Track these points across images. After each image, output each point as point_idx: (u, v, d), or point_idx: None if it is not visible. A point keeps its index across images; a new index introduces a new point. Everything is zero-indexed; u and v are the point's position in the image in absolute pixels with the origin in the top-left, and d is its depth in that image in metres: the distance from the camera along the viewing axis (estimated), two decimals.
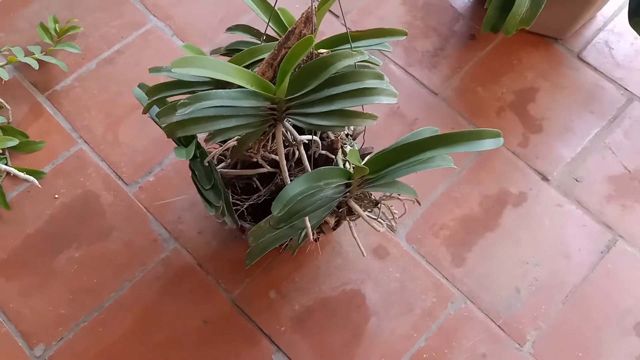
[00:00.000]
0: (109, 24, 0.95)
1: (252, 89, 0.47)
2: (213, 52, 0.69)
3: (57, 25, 0.90)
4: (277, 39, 0.63)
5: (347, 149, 0.70)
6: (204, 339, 0.72)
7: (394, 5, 0.99)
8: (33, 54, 0.88)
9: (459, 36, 0.97)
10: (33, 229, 0.79)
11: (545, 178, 0.84)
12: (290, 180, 0.61)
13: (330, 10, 0.99)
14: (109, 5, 0.97)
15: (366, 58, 0.49)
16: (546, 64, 0.94)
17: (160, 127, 0.60)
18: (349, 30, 0.57)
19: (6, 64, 0.88)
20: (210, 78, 0.55)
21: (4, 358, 0.71)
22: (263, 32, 0.64)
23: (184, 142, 0.59)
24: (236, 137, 0.57)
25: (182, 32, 0.95)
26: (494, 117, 0.89)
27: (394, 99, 0.52)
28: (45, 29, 0.90)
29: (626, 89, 0.92)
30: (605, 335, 0.73)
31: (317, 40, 0.55)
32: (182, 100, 0.47)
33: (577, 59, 0.95)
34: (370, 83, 0.50)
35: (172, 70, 0.43)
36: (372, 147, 0.72)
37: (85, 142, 0.86)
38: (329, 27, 0.97)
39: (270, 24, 0.59)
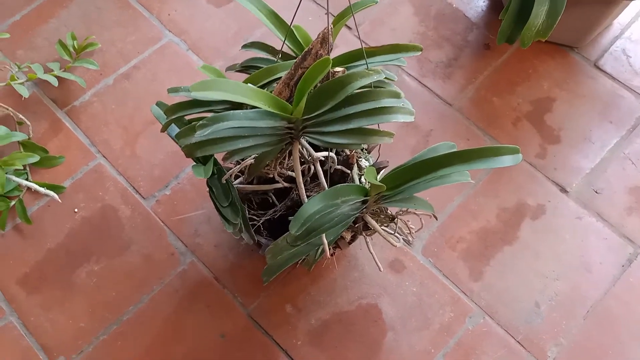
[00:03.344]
0: (126, 40, 0.97)
1: (270, 109, 0.48)
2: (228, 69, 0.69)
3: (75, 42, 0.92)
4: (292, 56, 0.63)
5: (363, 163, 0.70)
6: (222, 353, 0.73)
7: (406, 16, 0.99)
8: (52, 70, 0.90)
9: (473, 46, 0.96)
10: (53, 243, 0.80)
11: (564, 190, 0.83)
12: (307, 196, 0.61)
13: None
14: (125, 21, 0.99)
15: (382, 78, 0.49)
16: (562, 73, 0.93)
17: (179, 146, 0.61)
18: (364, 47, 0.57)
19: (26, 81, 0.90)
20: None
21: None
22: (277, 48, 0.64)
23: (201, 160, 0.60)
24: (253, 155, 0.58)
25: (197, 47, 0.96)
26: (510, 127, 0.88)
27: (411, 117, 0.52)
28: (63, 46, 0.91)
29: None
30: (628, 351, 0.72)
31: (332, 55, 0.55)
32: (200, 122, 0.47)
33: (594, 67, 0.93)
34: (387, 102, 0.50)
35: (191, 93, 0.43)
36: (388, 161, 0.72)
37: (104, 156, 0.87)
38: (341, 39, 0.97)
39: (285, 41, 0.60)
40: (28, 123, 0.88)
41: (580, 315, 0.74)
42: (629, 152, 0.86)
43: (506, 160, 0.55)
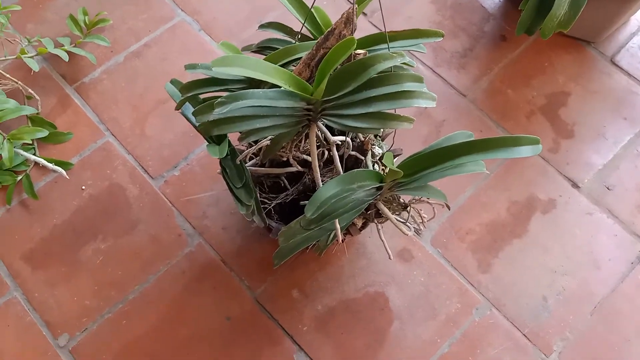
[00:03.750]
0: (137, 18, 0.95)
1: (290, 89, 0.47)
2: (244, 48, 0.68)
3: (86, 17, 0.90)
4: (311, 38, 0.62)
5: (377, 150, 0.69)
6: (227, 336, 0.73)
7: (422, 4, 0.98)
8: (62, 45, 0.89)
9: (489, 37, 0.95)
10: (60, 219, 0.80)
11: (575, 185, 0.83)
12: (321, 181, 0.60)
13: None
14: None
15: (406, 60, 0.48)
16: (578, 67, 0.92)
17: (192, 124, 0.60)
18: (386, 31, 0.56)
19: (36, 55, 0.88)
20: (245, 77, 0.54)
21: (28, 347, 0.72)
22: (293, 29, 0.63)
23: (215, 140, 0.59)
24: (269, 137, 0.57)
25: (209, 27, 0.95)
26: (524, 120, 0.88)
27: (433, 102, 0.51)
28: (74, 21, 0.90)
29: None
30: (634, 348, 0.72)
31: None
32: (219, 99, 0.46)
33: (610, 63, 0.92)
34: (409, 86, 0.50)
35: (212, 69, 0.42)
36: (402, 149, 0.71)
37: (113, 134, 0.86)
38: (357, 25, 0.95)
39: (305, 22, 0.59)
40: (37, 98, 0.87)
41: (587, 311, 0.74)
42: None
43: (525, 151, 0.54)
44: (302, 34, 0.62)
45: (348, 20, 0.48)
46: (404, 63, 0.59)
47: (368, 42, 0.58)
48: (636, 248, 0.78)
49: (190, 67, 0.57)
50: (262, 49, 0.66)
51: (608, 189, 0.82)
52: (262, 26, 0.66)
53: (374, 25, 0.96)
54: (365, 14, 0.97)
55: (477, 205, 0.81)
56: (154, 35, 0.94)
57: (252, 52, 0.67)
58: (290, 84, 0.47)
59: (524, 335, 0.73)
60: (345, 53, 0.46)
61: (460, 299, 0.75)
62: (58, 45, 0.90)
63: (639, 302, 0.74)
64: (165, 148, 0.85)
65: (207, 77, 0.57)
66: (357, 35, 0.61)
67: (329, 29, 0.50)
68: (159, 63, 0.92)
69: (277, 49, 0.59)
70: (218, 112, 0.46)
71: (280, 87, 0.47)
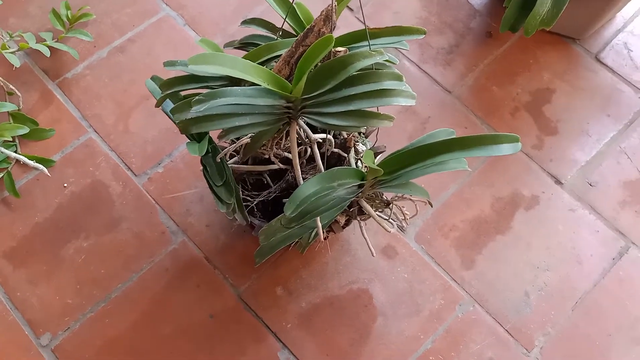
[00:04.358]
0: (121, 12, 0.94)
1: (269, 87, 0.46)
2: (227, 45, 0.67)
3: (69, 11, 0.89)
4: (293, 34, 0.62)
5: (360, 147, 0.69)
6: (210, 333, 0.72)
7: (409, 0, 0.97)
8: (45, 40, 0.87)
9: (475, 33, 0.95)
10: (42, 217, 0.79)
11: (558, 181, 0.83)
12: (303, 179, 0.60)
13: None
14: None
15: (386, 58, 0.48)
16: (563, 64, 0.92)
17: (174, 122, 0.60)
18: (367, 28, 0.56)
19: (17, 50, 0.87)
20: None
21: (10, 346, 0.71)
22: (277, 25, 0.62)
23: (196, 137, 0.58)
24: (249, 135, 0.56)
25: (195, 22, 0.94)
26: (509, 117, 0.88)
27: (412, 101, 0.51)
28: (57, 15, 0.89)
29: None
30: (615, 343, 0.73)
31: (334, 35, 0.53)
32: (197, 97, 0.46)
33: (595, 60, 0.93)
34: (388, 84, 0.49)
35: (189, 66, 0.42)
36: (385, 146, 0.71)
37: (95, 131, 0.85)
38: (343, 21, 0.95)
39: (286, 18, 0.58)
40: (18, 94, 0.85)
41: (569, 307, 0.75)
42: (625, 146, 0.86)
43: (505, 149, 0.54)
44: (284, 30, 0.62)
45: (327, 18, 0.48)
46: (387, 60, 0.59)
47: (349, 39, 0.58)
48: (618, 244, 0.79)
49: (169, 64, 0.56)
50: (245, 45, 0.65)
51: (591, 185, 0.83)
52: (244, 22, 0.65)
53: (361, 21, 0.95)
54: (351, 10, 0.97)
55: (461, 202, 0.81)
56: (138, 30, 0.93)
57: (235, 48, 0.67)
58: (269, 81, 0.47)
59: (506, 330, 0.73)
60: (323, 51, 0.45)
61: (444, 295, 0.75)
62: (40, 40, 0.88)
63: (621, 298, 0.75)
64: (149, 144, 0.84)
65: (188, 74, 0.56)
66: (343, 31, 0.60)
67: (308, 27, 0.49)
68: (143, 58, 0.91)
69: (260, 45, 0.59)
70: (196, 110, 0.46)
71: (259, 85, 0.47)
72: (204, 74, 0.53)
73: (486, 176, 0.83)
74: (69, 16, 0.89)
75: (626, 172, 0.84)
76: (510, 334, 0.73)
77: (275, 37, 0.62)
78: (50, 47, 0.86)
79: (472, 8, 0.97)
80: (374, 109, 0.56)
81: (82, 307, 0.74)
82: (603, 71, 0.92)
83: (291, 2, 0.57)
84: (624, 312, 0.74)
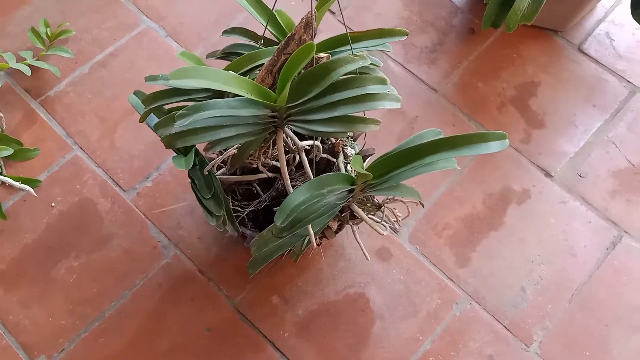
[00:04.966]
0: (101, 27, 0.93)
1: (252, 97, 0.46)
2: (209, 55, 0.67)
3: (48, 29, 0.88)
4: (275, 42, 0.62)
5: (349, 151, 0.68)
6: (208, 347, 0.72)
7: (390, 1, 0.97)
8: (25, 59, 0.86)
9: (458, 31, 0.95)
10: (31, 238, 0.78)
11: (548, 174, 0.83)
12: (292, 186, 0.60)
13: None
14: (100, 7, 0.95)
15: (368, 63, 0.48)
16: (547, 57, 0.93)
17: (159, 137, 0.59)
18: (349, 32, 0.56)
19: None
20: None
21: None
22: (259, 33, 0.62)
23: (182, 150, 0.58)
24: (236, 145, 0.56)
25: (176, 33, 0.94)
26: (495, 112, 0.88)
27: (398, 104, 0.51)
28: (36, 33, 0.88)
29: (629, 81, 0.91)
30: (613, 333, 0.73)
31: (316, 41, 0.53)
32: (180, 111, 0.45)
33: (578, 51, 0.93)
34: (373, 88, 0.49)
35: (170, 81, 0.42)
36: (374, 148, 0.71)
37: (81, 148, 0.84)
38: (325, 24, 0.95)
39: (267, 26, 0.58)
40: (1, 115, 0.84)
41: (566, 299, 0.75)
42: (612, 136, 0.86)
43: (493, 146, 0.54)
44: (266, 39, 0.61)
45: (307, 25, 0.48)
46: (371, 63, 0.58)
47: (331, 44, 0.57)
48: (610, 234, 0.79)
49: (151, 78, 0.56)
50: (227, 54, 0.65)
51: (580, 176, 0.83)
52: (225, 32, 0.65)
53: (343, 24, 0.95)
54: (333, 13, 0.97)
55: (453, 200, 0.81)
56: (119, 44, 0.92)
57: (217, 58, 0.66)
58: (253, 92, 0.46)
59: (504, 327, 0.73)
60: (305, 59, 0.45)
61: (440, 294, 0.75)
62: (20, 59, 0.87)
63: (616, 287, 0.75)
64: (136, 159, 0.83)
65: (170, 87, 0.56)
66: (326, 34, 0.60)
67: (289, 35, 0.49)
68: (126, 72, 0.90)
69: (242, 54, 0.58)
70: (179, 125, 0.45)
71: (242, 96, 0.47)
72: (189, 86, 0.53)
73: (476, 173, 0.83)
74: (49, 33, 0.88)
75: (615, 162, 0.84)
76: (508, 330, 0.73)
77: (258, 46, 0.61)
78: (30, 66, 0.85)
79: (454, 5, 0.97)
80: (360, 114, 0.55)
81: (76, 328, 0.72)
82: (586, 62, 0.92)
83: (271, 9, 0.57)
84: (621, 302, 0.75)
